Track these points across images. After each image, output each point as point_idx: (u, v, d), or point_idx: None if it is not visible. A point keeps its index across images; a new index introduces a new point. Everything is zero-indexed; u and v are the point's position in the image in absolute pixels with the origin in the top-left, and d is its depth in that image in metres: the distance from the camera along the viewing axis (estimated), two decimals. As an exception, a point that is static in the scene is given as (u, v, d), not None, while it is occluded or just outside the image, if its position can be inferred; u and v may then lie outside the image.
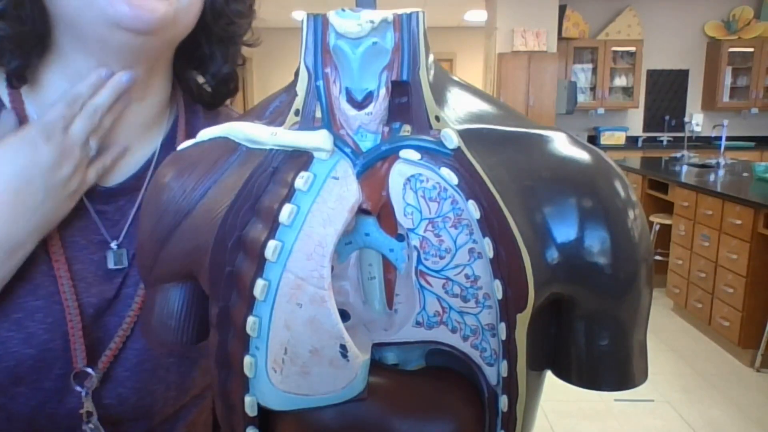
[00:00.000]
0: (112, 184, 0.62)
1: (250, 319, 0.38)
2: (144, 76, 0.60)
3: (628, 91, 6.69)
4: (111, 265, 0.61)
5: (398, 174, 0.38)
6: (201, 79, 0.69)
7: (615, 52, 6.53)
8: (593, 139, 6.61)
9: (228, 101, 0.73)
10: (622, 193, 0.40)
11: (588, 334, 0.42)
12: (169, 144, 0.66)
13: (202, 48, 0.65)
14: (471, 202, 0.37)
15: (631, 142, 6.71)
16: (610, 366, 0.42)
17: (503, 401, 0.39)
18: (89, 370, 0.59)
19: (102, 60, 0.57)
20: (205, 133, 0.44)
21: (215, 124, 0.72)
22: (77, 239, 0.60)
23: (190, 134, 0.67)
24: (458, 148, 0.38)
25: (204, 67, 0.67)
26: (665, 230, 4.10)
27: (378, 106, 0.38)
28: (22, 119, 0.58)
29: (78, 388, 0.59)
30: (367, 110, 0.38)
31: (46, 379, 0.59)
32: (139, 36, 0.54)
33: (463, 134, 0.38)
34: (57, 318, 0.58)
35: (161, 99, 0.65)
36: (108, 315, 0.61)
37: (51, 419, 0.60)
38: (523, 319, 0.37)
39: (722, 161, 4.67)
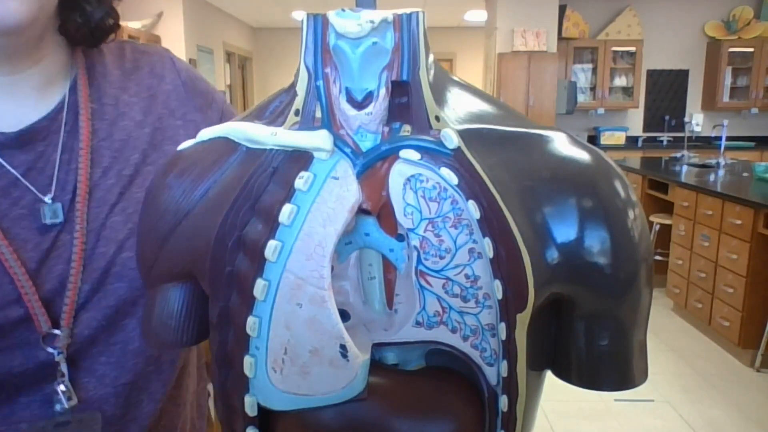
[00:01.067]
0: (18, 128, 0.61)
1: (250, 319, 0.38)
2: (30, 49, 0.61)
3: (628, 91, 6.68)
4: (46, 220, 0.61)
5: (398, 174, 0.38)
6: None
7: (615, 52, 6.53)
8: (593, 139, 6.61)
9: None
10: (622, 193, 0.40)
11: (588, 334, 0.42)
12: (75, 86, 0.66)
13: None
14: (471, 202, 0.37)
15: (631, 142, 6.71)
16: (610, 366, 0.42)
17: (503, 401, 0.39)
18: (56, 331, 0.59)
19: None
20: (205, 133, 0.44)
21: (121, 62, 0.73)
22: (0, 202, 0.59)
23: (95, 75, 0.69)
24: (458, 148, 0.38)
25: (78, 10, 0.67)
26: (665, 230, 4.10)
27: (378, 106, 0.38)
28: None
29: (50, 350, 0.59)
30: (367, 110, 0.38)
31: (4, 341, 0.58)
32: (6, 36, 0.55)
33: (463, 134, 0.38)
34: None
35: (59, 55, 0.66)
36: (52, 264, 0.60)
37: (22, 377, 0.60)
38: (523, 319, 0.37)
39: (722, 161, 4.67)
